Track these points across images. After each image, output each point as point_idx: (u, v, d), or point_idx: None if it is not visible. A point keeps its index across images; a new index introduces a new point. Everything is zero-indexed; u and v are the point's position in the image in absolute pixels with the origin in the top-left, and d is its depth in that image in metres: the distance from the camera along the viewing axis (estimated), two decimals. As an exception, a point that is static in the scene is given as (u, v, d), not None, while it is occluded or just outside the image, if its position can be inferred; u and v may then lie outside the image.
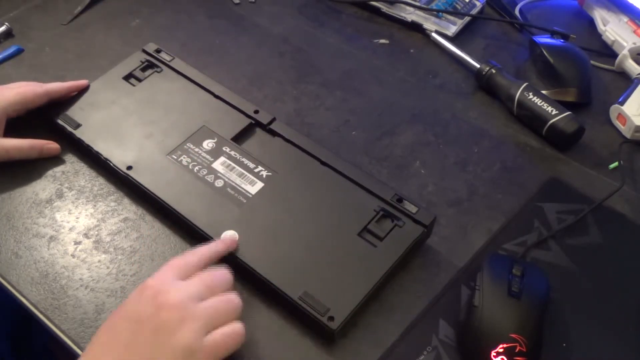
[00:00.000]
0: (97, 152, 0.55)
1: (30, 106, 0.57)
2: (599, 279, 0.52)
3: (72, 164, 0.58)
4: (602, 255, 0.53)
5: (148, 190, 0.53)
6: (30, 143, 0.56)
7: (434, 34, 0.71)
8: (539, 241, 0.54)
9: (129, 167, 0.54)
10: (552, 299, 0.49)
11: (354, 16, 0.75)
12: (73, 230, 0.53)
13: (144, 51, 0.64)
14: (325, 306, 0.46)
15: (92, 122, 0.58)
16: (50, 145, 0.57)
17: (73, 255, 0.52)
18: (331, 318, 0.45)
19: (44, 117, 0.59)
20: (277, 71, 0.68)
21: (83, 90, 0.60)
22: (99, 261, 0.51)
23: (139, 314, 0.41)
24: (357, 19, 0.75)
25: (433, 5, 0.74)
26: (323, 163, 0.55)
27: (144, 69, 0.63)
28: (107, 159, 0.55)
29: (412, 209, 0.51)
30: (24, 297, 0.49)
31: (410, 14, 0.73)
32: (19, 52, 0.67)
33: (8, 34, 0.69)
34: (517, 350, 0.44)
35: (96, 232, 0.53)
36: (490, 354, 0.44)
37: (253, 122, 0.58)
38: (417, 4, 0.73)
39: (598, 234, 0.54)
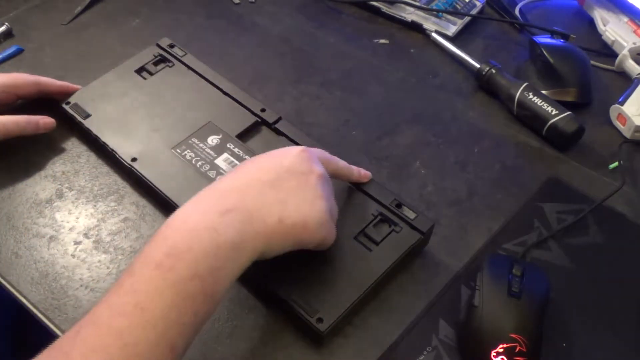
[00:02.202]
0: (104, 143, 0.56)
1: (19, 92, 0.58)
2: (599, 279, 0.52)
3: (73, 163, 0.58)
4: (602, 255, 0.53)
5: (150, 182, 0.53)
6: (27, 118, 0.56)
7: (434, 34, 0.71)
8: (539, 241, 0.54)
9: (134, 159, 0.55)
10: (552, 299, 0.49)
11: (354, 16, 0.75)
12: (73, 230, 0.53)
13: (158, 45, 0.65)
14: (315, 308, 0.45)
15: (101, 113, 0.58)
16: (46, 120, 0.57)
17: (73, 256, 0.52)
18: (320, 320, 0.45)
19: (54, 106, 0.59)
20: (277, 71, 0.68)
21: (95, 82, 0.61)
22: (99, 261, 0.51)
23: (293, 167, 0.44)
24: (357, 19, 0.75)
25: (433, 5, 0.74)
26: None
27: (156, 63, 0.63)
28: (113, 150, 0.55)
29: (411, 215, 0.51)
30: (24, 297, 0.49)
31: (410, 14, 0.73)
32: (19, 52, 0.67)
33: (8, 34, 0.69)
34: (517, 350, 0.44)
35: (96, 232, 0.53)
36: (490, 354, 0.44)
37: (259, 120, 0.58)
38: (417, 4, 0.73)
39: (598, 234, 0.54)
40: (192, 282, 0.36)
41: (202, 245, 0.38)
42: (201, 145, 0.56)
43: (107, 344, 0.34)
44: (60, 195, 0.55)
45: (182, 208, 0.40)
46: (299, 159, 0.44)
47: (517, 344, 0.44)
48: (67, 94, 0.60)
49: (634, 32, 0.70)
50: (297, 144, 0.56)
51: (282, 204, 0.42)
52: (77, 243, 0.52)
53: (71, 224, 0.53)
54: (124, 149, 0.55)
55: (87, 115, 0.58)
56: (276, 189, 0.42)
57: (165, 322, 0.35)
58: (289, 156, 0.44)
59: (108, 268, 0.51)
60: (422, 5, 0.73)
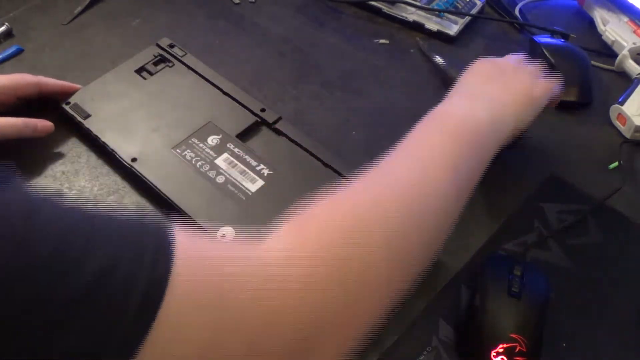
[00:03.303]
0: (104, 143, 0.56)
1: (19, 92, 0.58)
2: (599, 279, 0.51)
3: (73, 163, 0.58)
4: (602, 255, 0.53)
5: (150, 183, 0.53)
6: (24, 120, 0.56)
7: (420, 41, 0.71)
8: (539, 241, 0.54)
9: (134, 159, 0.55)
10: (552, 299, 0.48)
11: (354, 16, 0.75)
12: (73, 230, 0.53)
13: (158, 45, 0.65)
14: None
15: (101, 113, 0.58)
16: (45, 123, 0.57)
17: (73, 255, 0.51)
18: None
19: (54, 106, 0.59)
20: (277, 71, 0.68)
21: (95, 82, 0.61)
22: (99, 261, 0.51)
23: (487, 66, 0.53)
24: (357, 19, 0.75)
25: (434, 5, 0.74)
26: (325, 165, 0.55)
27: (156, 63, 0.63)
28: (113, 150, 0.55)
29: None
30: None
31: (411, 14, 0.73)
32: (19, 52, 0.67)
33: (8, 34, 0.69)
34: (517, 350, 0.44)
35: (96, 232, 0.53)
36: (490, 354, 0.44)
37: (259, 120, 0.58)
38: (418, 3, 0.73)
39: (598, 233, 0.54)
40: (467, 155, 0.44)
41: (468, 124, 0.45)
42: (201, 145, 0.56)
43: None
44: (60, 196, 0.55)
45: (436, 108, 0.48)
46: (487, 61, 0.54)
47: (517, 344, 0.44)
48: (67, 94, 0.60)
49: (634, 32, 0.70)
50: (297, 144, 0.56)
51: (506, 86, 0.51)
52: (77, 243, 0.52)
53: (71, 224, 0.53)
54: (124, 149, 0.56)
55: (87, 115, 0.58)
56: (492, 82, 0.51)
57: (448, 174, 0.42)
58: (481, 63, 0.54)
59: (108, 268, 0.51)
60: (423, 5, 0.73)
